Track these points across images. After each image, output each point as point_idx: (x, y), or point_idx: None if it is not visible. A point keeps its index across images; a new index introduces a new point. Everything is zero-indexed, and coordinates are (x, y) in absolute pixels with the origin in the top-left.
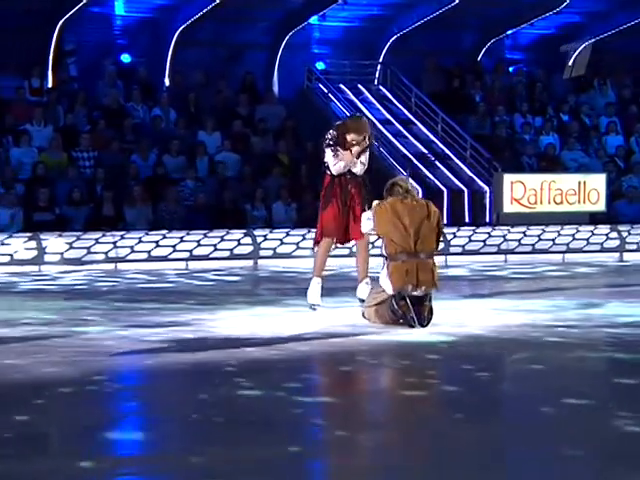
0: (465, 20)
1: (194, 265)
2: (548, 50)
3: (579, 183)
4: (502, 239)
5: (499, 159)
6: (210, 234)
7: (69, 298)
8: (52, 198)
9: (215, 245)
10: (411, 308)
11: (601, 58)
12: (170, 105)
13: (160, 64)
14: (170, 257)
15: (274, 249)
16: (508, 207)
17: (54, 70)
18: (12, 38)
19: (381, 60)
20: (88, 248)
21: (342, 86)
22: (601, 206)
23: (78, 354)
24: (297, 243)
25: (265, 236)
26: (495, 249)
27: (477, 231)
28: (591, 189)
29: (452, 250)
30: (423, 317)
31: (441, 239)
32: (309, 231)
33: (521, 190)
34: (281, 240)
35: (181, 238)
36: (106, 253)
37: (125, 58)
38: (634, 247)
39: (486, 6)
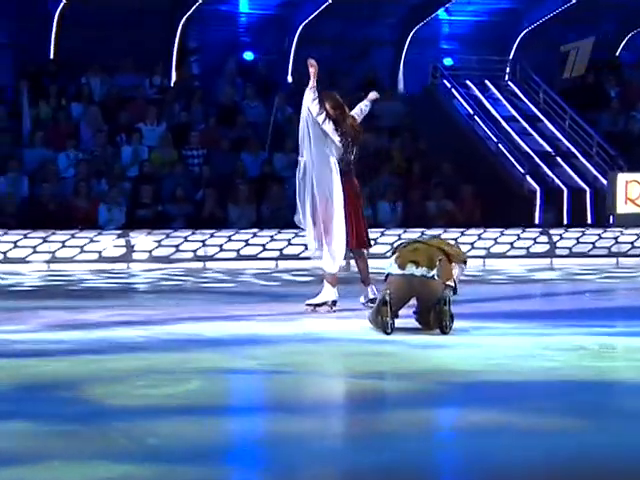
0: (601, 12)
1: (284, 265)
2: None
3: None
4: (613, 241)
5: (630, 157)
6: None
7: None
8: (157, 195)
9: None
10: (389, 313)
11: None
12: (287, 103)
13: (283, 61)
14: (259, 256)
15: None
16: (622, 208)
17: (178, 68)
18: (133, 37)
19: (511, 56)
20: (177, 246)
21: (468, 82)
22: None
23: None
24: None
25: None
26: (606, 252)
27: (587, 232)
28: None
29: (557, 252)
30: (443, 325)
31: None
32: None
33: (637, 190)
34: None
35: (271, 237)
36: (194, 251)
37: (248, 56)
38: None
39: None
